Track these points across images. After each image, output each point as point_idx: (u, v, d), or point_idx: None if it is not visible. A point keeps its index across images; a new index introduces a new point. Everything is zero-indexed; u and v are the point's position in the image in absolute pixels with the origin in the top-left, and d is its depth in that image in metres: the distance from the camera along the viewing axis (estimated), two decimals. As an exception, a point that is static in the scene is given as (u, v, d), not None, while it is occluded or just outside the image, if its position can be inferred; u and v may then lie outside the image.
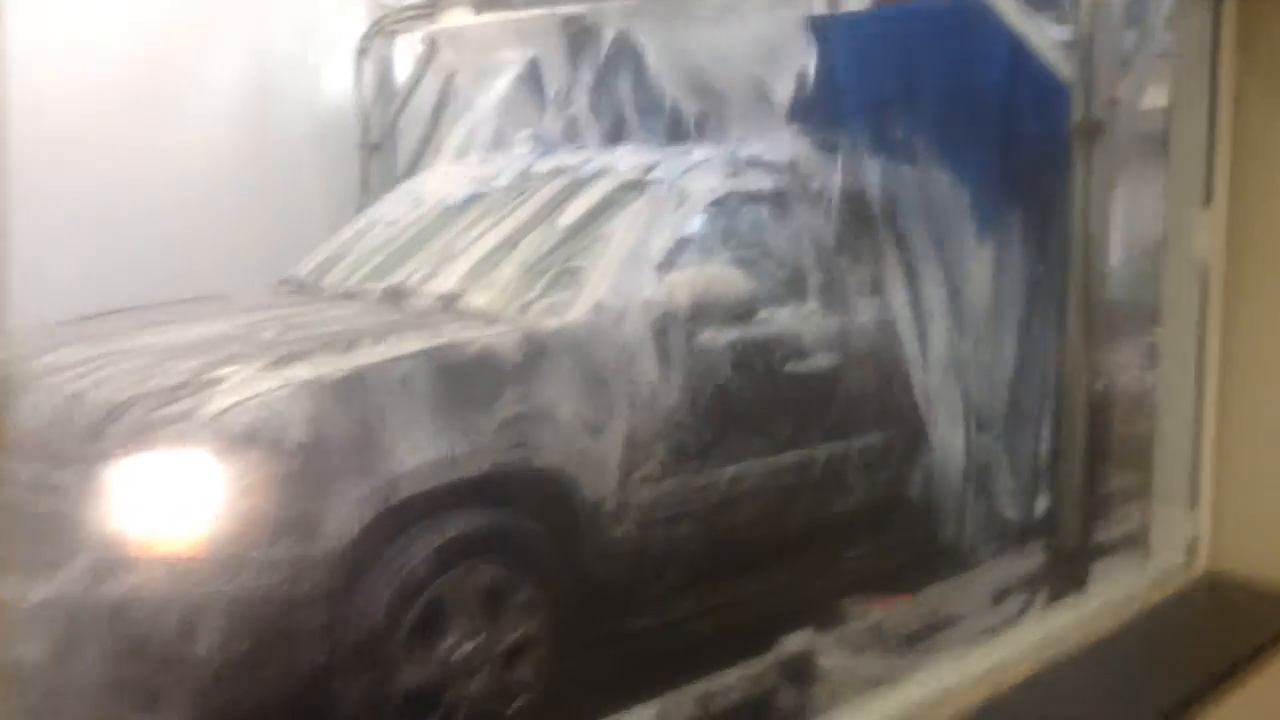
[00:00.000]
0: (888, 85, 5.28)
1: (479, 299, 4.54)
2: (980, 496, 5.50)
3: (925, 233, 5.34)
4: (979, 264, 5.40)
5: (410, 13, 6.93)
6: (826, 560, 5.14)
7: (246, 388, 3.65)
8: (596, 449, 4.21)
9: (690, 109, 5.66)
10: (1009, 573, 5.17)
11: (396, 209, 5.46)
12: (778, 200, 5.09)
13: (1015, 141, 5.36)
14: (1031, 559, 5.11)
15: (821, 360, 4.87)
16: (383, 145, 7.03)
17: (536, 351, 4.14)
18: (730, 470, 4.59)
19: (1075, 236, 4.68)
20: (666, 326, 4.37)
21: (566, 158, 5.37)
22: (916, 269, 5.41)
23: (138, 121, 6.37)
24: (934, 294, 5.35)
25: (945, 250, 5.37)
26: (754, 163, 5.12)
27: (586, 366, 4.22)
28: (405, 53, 7.19)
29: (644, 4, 5.73)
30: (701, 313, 4.35)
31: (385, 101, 7.26)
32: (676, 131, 5.64)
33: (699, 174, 4.89)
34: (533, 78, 6.23)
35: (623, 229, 4.64)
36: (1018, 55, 5.16)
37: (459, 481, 3.86)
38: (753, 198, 5.02)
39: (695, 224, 4.79)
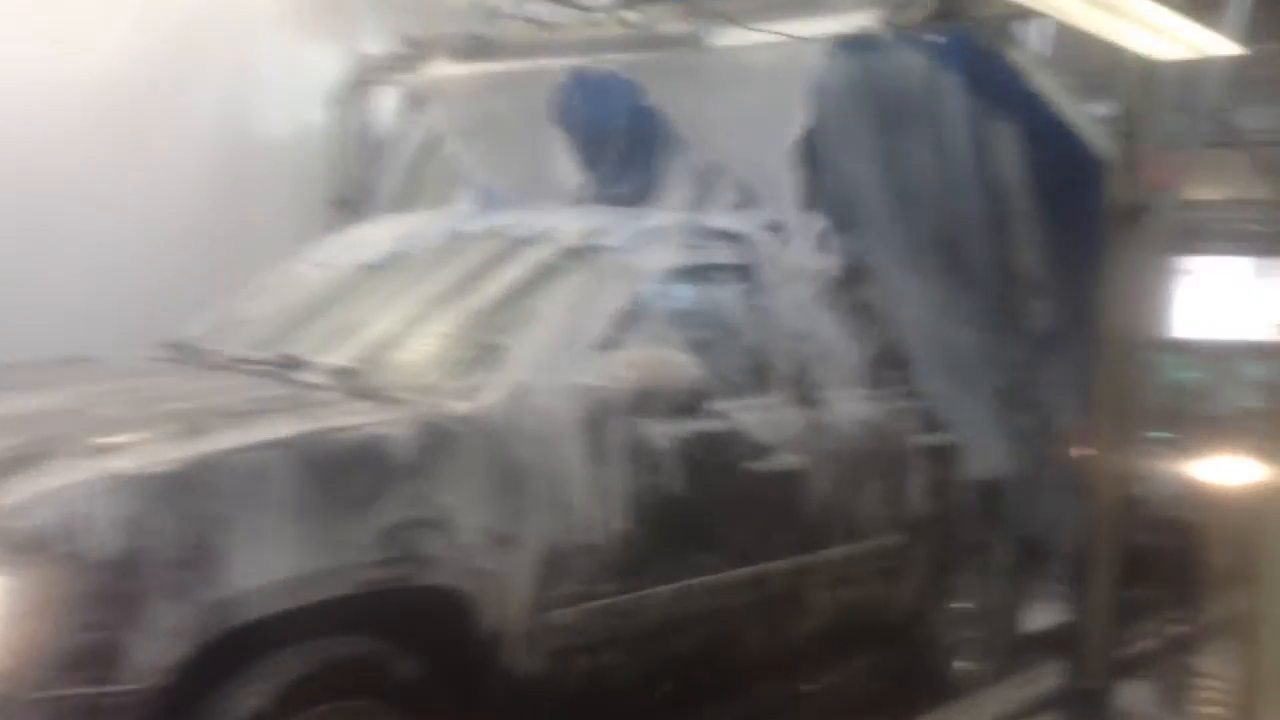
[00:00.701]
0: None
1: (379, 376, 3.68)
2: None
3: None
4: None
5: (390, 63, 6.34)
6: (784, 694, 4.43)
7: (50, 479, 2.78)
8: (503, 565, 3.38)
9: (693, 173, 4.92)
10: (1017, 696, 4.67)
11: (311, 267, 4.63)
12: (742, 276, 4.35)
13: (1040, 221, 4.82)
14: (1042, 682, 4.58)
15: (787, 459, 4.15)
16: (354, 201, 6.40)
17: (436, 443, 3.31)
18: (669, 589, 3.81)
19: (1111, 326, 4.22)
20: (602, 417, 3.61)
21: (505, 218, 4.56)
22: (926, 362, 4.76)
23: (102, 171, 5.80)
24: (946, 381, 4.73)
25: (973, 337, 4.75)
26: (718, 234, 4.39)
27: (499, 463, 3.43)
28: (385, 105, 6.60)
29: (650, 60, 5.10)
30: (645, 402, 3.62)
31: (361, 156, 6.64)
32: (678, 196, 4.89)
33: (653, 243, 4.13)
34: (523, 133, 5.60)
35: (558, 301, 3.86)
36: (1045, 129, 4.48)
37: (318, 604, 3.00)
38: (713, 272, 4.26)
39: (644, 299, 3.97)
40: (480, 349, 3.77)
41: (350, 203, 6.24)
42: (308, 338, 4.05)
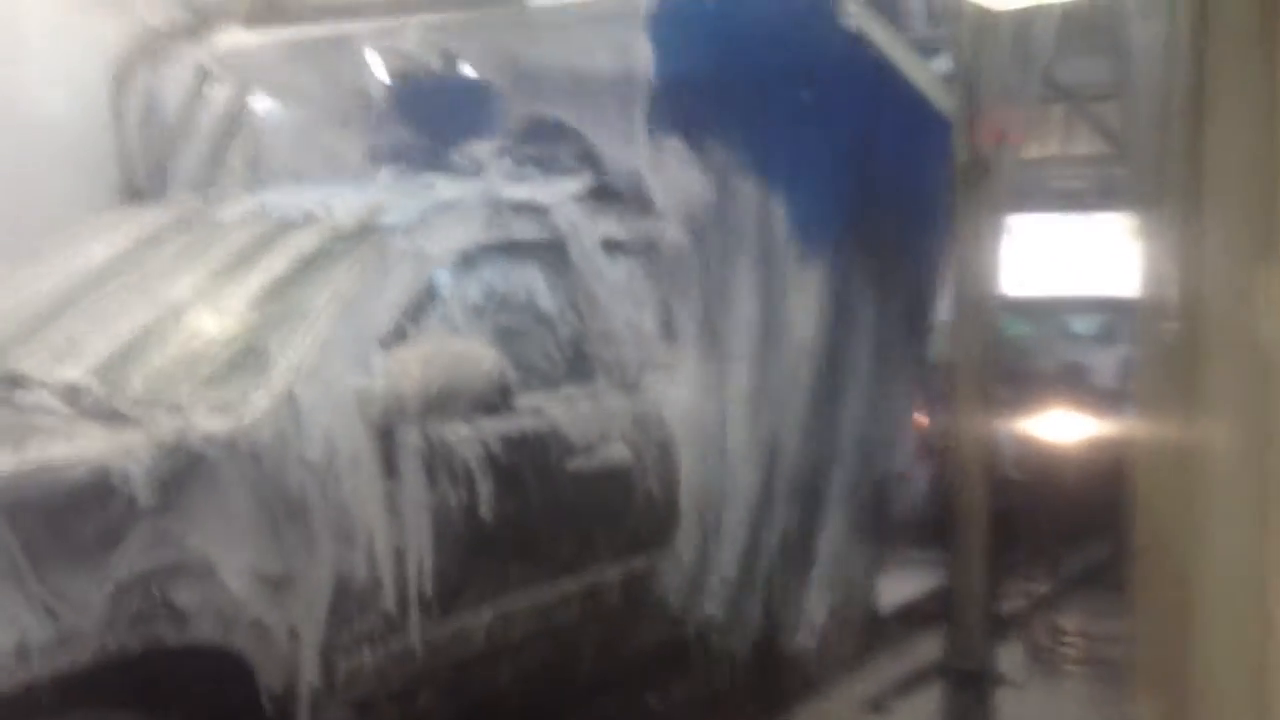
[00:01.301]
0: (699, 69, 4.12)
1: (117, 393, 3.00)
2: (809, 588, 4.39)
3: (734, 263, 4.17)
4: (802, 295, 4.30)
5: (176, 32, 5.67)
6: (632, 706, 3.92)
7: None
8: (281, 611, 2.78)
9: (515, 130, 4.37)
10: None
11: (49, 265, 3.79)
12: (550, 252, 3.77)
13: (874, 168, 4.40)
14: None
15: (614, 453, 3.66)
16: (147, 188, 5.73)
17: (182, 471, 2.66)
18: (490, 612, 3.31)
19: (963, 288, 3.95)
20: (391, 423, 3.05)
21: (268, 198, 3.89)
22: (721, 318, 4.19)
23: None
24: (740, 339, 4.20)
25: (759, 283, 4.19)
26: (520, 206, 3.76)
27: (267, 489, 2.80)
28: (175, 80, 5.93)
29: (454, 20, 4.60)
30: (440, 403, 3.04)
31: (152, 139, 5.96)
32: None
33: (445, 220, 3.51)
34: (328, 103, 5.03)
35: (330, 293, 3.19)
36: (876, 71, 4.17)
37: (41, 679, 2.40)
38: (519, 250, 3.67)
39: (435, 285, 3.38)
40: (240, 354, 3.12)
41: (143, 190, 5.57)
42: (38, 350, 3.32)
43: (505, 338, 3.46)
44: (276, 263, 3.39)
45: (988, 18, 3.91)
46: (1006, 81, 4.02)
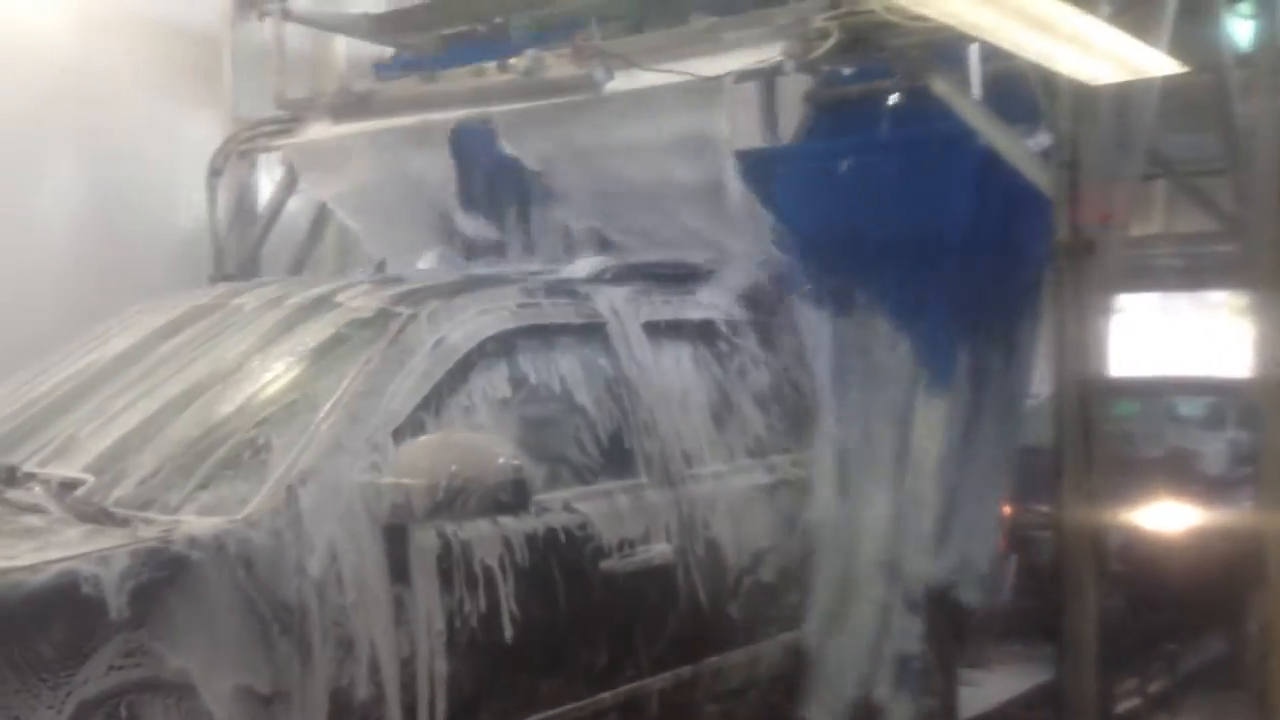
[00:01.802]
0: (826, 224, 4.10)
1: (109, 491, 2.75)
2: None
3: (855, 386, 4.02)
4: (927, 421, 4.05)
5: (268, 128, 5.68)
6: None
7: None
8: None
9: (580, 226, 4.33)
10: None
11: (79, 354, 3.61)
12: (589, 338, 3.47)
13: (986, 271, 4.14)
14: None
15: (655, 553, 3.31)
16: (240, 277, 5.71)
17: (164, 578, 2.37)
18: None
19: (1065, 370, 3.74)
20: (400, 521, 2.75)
21: (289, 285, 3.68)
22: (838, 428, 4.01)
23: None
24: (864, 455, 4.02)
25: (880, 406, 4.02)
26: (557, 288, 3.51)
27: (260, 595, 2.50)
28: (266, 173, 5.96)
29: (531, 113, 4.53)
30: (450, 499, 2.73)
31: (243, 229, 5.98)
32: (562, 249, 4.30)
33: (471, 304, 3.24)
34: (408, 192, 4.98)
35: (342, 382, 2.92)
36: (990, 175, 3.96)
37: None
38: (552, 335, 3.37)
39: (458, 372, 3.09)
40: (239, 449, 2.82)
41: (235, 279, 5.58)
42: (41, 446, 3.09)
43: (534, 428, 3.18)
44: (288, 352, 3.17)
45: (1086, 92, 3.69)
46: (1108, 158, 3.79)
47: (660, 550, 3.32)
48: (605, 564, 3.18)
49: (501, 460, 2.78)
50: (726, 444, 3.67)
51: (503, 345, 3.22)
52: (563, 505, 3.13)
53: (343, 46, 5.98)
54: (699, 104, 4.00)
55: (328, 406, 2.85)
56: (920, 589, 3.97)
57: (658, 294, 3.75)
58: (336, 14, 5.81)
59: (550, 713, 3.03)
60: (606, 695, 3.17)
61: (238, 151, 5.44)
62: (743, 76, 3.95)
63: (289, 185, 5.47)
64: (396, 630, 2.71)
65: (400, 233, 4.83)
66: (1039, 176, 3.75)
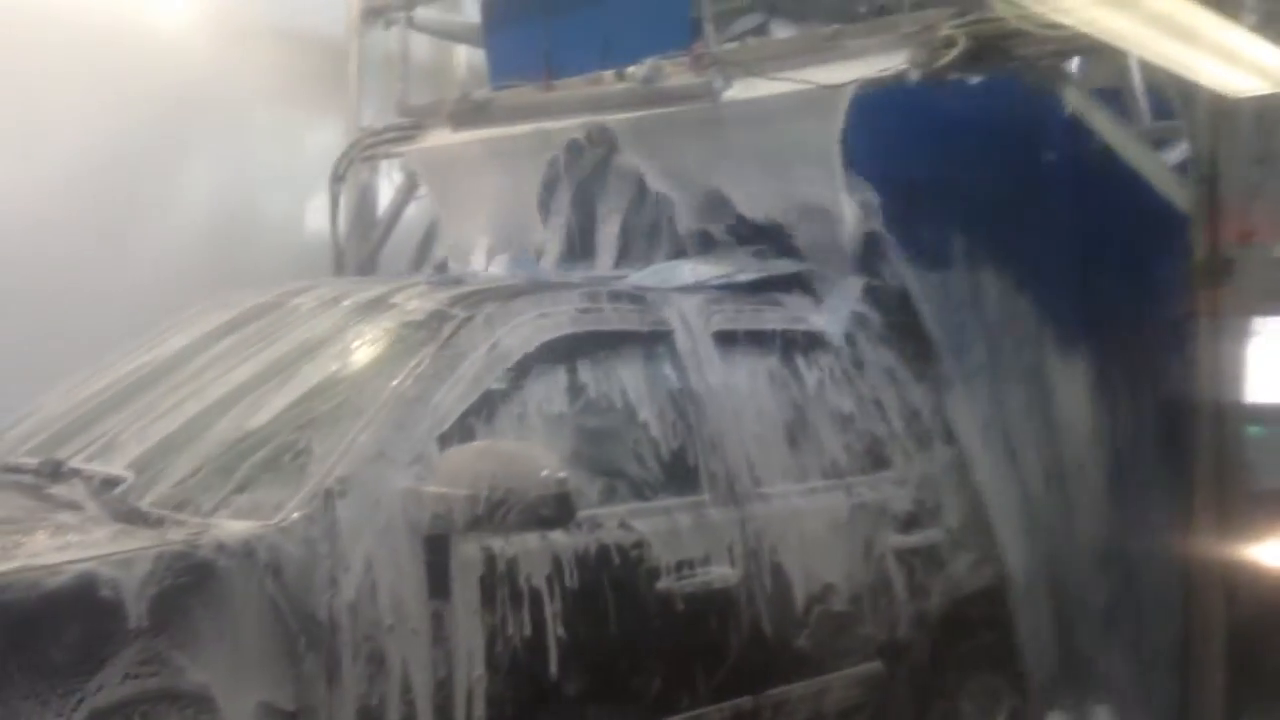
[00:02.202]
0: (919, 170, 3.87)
1: (147, 491, 2.64)
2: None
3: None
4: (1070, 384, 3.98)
5: (390, 135, 5.65)
6: None
7: None
8: None
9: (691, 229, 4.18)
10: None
11: (138, 351, 3.53)
12: (656, 346, 3.28)
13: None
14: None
15: (716, 575, 3.09)
16: (359, 281, 5.79)
17: (188, 584, 2.26)
18: None
19: (1204, 394, 3.56)
20: (443, 532, 2.60)
21: (352, 285, 3.55)
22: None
23: (92, 257, 5.25)
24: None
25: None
26: (624, 295, 3.35)
27: (288, 605, 2.38)
28: (387, 179, 6.02)
29: (654, 119, 4.48)
30: (495, 509, 2.57)
31: (364, 233, 6.07)
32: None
33: (530, 307, 3.08)
34: (522, 198, 4.98)
35: (390, 385, 2.78)
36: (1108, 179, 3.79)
37: None
38: (614, 341, 3.19)
39: (514, 376, 2.95)
40: (278, 452, 2.69)
41: (354, 283, 5.66)
42: (92, 439, 3.00)
43: (590, 439, 3.01)
44: (337, 354, 3.02)
45: (1226, 105, 3.50)
46: (1249, 173, 3.59)
47: (721, 573, 3.11)
48: (661, 585, 2.98)
49: (545, 473, 2.60)
50: (801, 464, 3.45)
51: (561, 352, 3.07)
52: (618, 522, 2.95)
53: (464, 55, 6.02)
54: (817, 113, 3.89)
55: (371, 411, 2.71)
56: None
57: (732, 302, 3.56)
58: (460, 23, 5.85)
59: None
60: None
61: (360, 158, 5.51)
62: (865, 85, 3.84)
63: (408, 191, 5.53)
64: (433, 648, 2.57)
65: (504, 236, 4.80)
66: (1176, 192, 3.56)
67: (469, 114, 4.84)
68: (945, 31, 3.75)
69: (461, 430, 2.76)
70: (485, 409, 2.84)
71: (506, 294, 3.14)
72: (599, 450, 3.02)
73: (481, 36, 5.25)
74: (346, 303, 3.28)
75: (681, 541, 3.04)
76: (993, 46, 3.73)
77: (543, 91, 4.62)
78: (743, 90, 4.08)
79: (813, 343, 3.65)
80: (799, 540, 3.31)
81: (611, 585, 2.88)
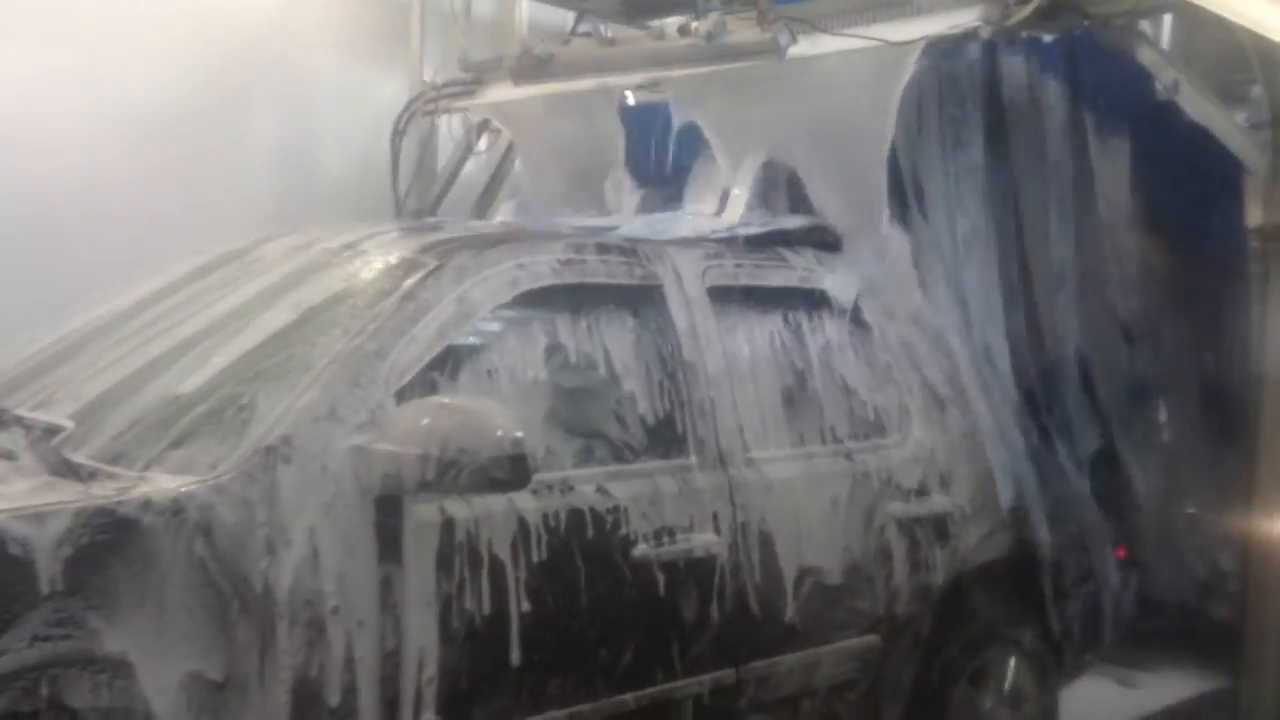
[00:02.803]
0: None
1: (90, 439, 2.48)
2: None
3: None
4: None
5: (451, 89, 5.58)
6: None
7: None
8: None
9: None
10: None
11: (108, 298, 3.36)
12: (644, 301, 3.09)
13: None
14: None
15: (699, 542, 2.92)
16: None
17: (109, 543, 2.10)
18: None
19: (1269, 367, 3.51)
20: (394, 493, 2.42)
21: (327, 231, 3.30)
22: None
23: (156, 204, 5.32)
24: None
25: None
26: (613, 246, 3.15)
27: (220, 568, 2.21)
28: (447, 134, 6.02)
29: (713, 78, 4.43)
30: (446, 470, 2.38)
31: (425, 188, 6.08)
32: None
33: (507, 256, 2.90)
34: (586, 153, 4.98)
35: (345, 336, 2.59)
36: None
37: None
38: (598, 294, 3.01)
39: (484, 329, 2.78)
40: (221, 406, 2.50)
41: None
42: (43, 387, 2.85)
43: (567, 399, 2.83)
44: (296, 302, 2.81)
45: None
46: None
47: (704, 540, 2.93)
48: (637, 552, 2.81)
49: (500, 432, 2.39)
50: (798, 429, 3.26)
51: (538, 304, 2.88)
52: (593, 486, 2.78)
53: (526, 10, 5.99)
54: (883, 73, 3.83)
55: (322, 366, 2.52)
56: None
57: (731, 257, 3.35)
58: (523, -24, 5.81)
59: (557, 713, 2.67)
60: (628, 697, 2.79)
61: (422, 112, 5.50)
62: (934, 43, 3.77)
63: (468, 146, 5.52)
64: (381, 616, 2.41)
65: (571, 191, 4.80)
66: (1251, 156, 3.47)
67: (531, 69, 4.82)
68: (1019, -13, 3.66)
69: (423, 386, 2.60)
70: (450, 364, 2.67)
71: (483, 243, 2.96)
72: (576, 410, 2.85)
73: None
74: (313, 250, 3.10)
75: (663, 507, 2.88)
76: (1066, 4, 3.64)
77: (605, 46, 4.59)
78: (809, 47, 4.02)
79: (819, 303, 3.47)
80: (792, 509, 3.14)
81: (582, 552, 2.72)
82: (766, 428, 3.19)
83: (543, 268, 2.94)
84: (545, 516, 2.67)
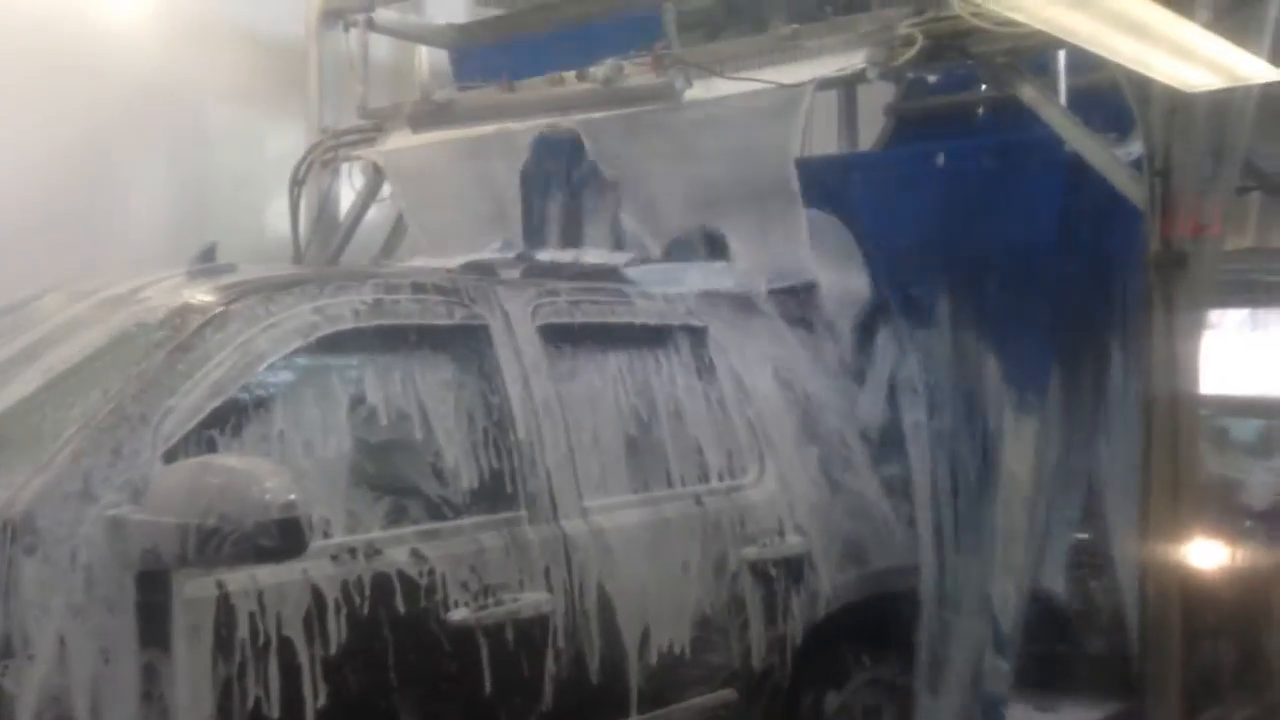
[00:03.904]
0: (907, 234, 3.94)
1: None
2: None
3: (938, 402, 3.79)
4: (1018, 441, 3.79)
5: (351, 137, 5.61)
6: None
7: None
8: None
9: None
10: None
11: None
12: (466, 343, 2.90)
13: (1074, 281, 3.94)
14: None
15: (526, 603, 2.73)
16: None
17: None
18: None
19: (1159, 392, 3.49)
20: (156, 568, 2.19)
21: (115, 279, 3.08)
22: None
23: (51, 256, 5.18)
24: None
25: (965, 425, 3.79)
26: (431, 284, 2.94)
27: None
28: (347, 181, 5.96)
29: (612, 122, 4.47)
30: (208, 541, 2.13)
31: (325, 236, 6.00)
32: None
33: (303, 299, 2.67)
34: (483, 200, 4.97)
35: (102, 396, 2.35)
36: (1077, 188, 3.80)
37: None
38: (411, 337, 2.80)
39: (271, 380, 2.54)
40: None
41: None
42: None
43: (373, 453, 2.61)
44: (60, 359, 2.59)
45: (1181, 100, 3.53)
46: (1202, 167, 3.63)
47: (534, 599, 2.73)
48: (455, 617, 2.59)
49: (267, 495, 2.16)
50: (642, 474, 3.09)
51: (339, 350, 2.66)
52: (406, 548, 2.56)
53: (425, 56, 6.01)
54: (778, 113, 3.90)
55: (75, 431, 2.27)
56: (1011, 626, 3.69)
57: (568, 294, 3.19)
58: (420, 24, 5.81)
59: None
60: None
61: (321, 160, 5.46)
62: (825, 84, 3.85)
63: (370, 194, 5.49)
64: (144, 710, 2.16)
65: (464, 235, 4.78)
66: (1130, 187, 3.58)
67: (430, 116, 4.81)
68: (903, 30, 3.76)
69: (198, 446, 2.37)
70: (233, 420, 2.44)
71: (275, 285, 2.70)
72: (384, 465, 2.63)
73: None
74: (93, 300, 2.87)
75: (487, 566, 2.67)
76: (950, 44, 3.75)
77: (504, 92, 4.60)
78: (703, 90, 4.08)
79: (667, 340, 3.34)
80: (635, 560, 2.96)
81: (390, 622, 2.50)
82: (607, 475, 3.01)
83: (343, 310, 2.70)
84: (346, 585, 2.44)
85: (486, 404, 2.85)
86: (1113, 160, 3.67)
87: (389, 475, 2.64)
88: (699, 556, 3.09)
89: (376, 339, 2.73)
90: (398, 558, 2.54)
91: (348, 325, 2.68)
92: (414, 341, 2.79)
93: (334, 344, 2.65)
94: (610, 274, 3.50)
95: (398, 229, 5.59)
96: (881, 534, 3.62)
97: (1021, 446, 3.76)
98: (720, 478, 3.25)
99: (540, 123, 4.48)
